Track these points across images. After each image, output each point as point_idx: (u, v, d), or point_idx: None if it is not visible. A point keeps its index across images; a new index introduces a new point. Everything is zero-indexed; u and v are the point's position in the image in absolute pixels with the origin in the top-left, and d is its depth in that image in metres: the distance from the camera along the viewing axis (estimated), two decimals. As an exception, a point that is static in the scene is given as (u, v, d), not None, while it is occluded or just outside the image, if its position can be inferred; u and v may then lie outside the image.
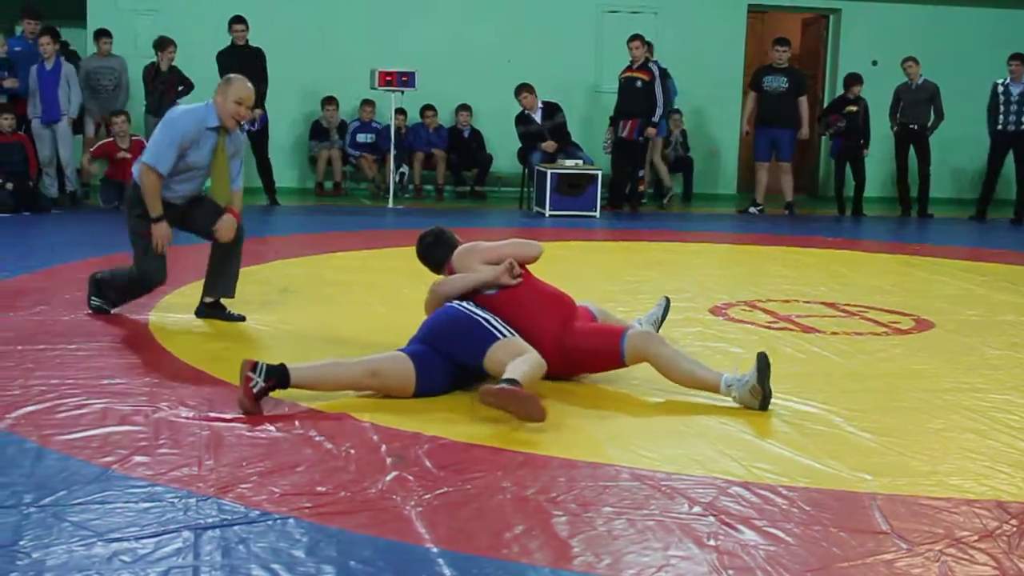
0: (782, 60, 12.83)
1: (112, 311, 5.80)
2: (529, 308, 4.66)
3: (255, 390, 4.06)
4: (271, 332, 5.58)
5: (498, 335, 4.39)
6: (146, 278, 5.71)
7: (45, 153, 11.15)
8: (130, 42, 13.01)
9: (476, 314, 4.48)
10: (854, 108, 12.96)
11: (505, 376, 4.09)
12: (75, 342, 5.19)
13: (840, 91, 13.59)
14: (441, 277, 4.91)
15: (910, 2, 15.10)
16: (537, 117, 12.49)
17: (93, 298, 5.85)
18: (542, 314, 4.66)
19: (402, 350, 4.43)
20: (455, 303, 4.60)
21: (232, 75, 5.73)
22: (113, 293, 5.82)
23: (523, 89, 12.50)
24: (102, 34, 12.03)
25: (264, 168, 12.14)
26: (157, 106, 11.57)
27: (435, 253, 5.01)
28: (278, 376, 4.11)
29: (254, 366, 4.09)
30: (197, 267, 6.02)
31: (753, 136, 13.11)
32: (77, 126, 11.57)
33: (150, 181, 5.51)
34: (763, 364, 4.31)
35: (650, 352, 4.53)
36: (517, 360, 4.24)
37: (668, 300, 5.60)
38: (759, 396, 4.31)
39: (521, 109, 12.54)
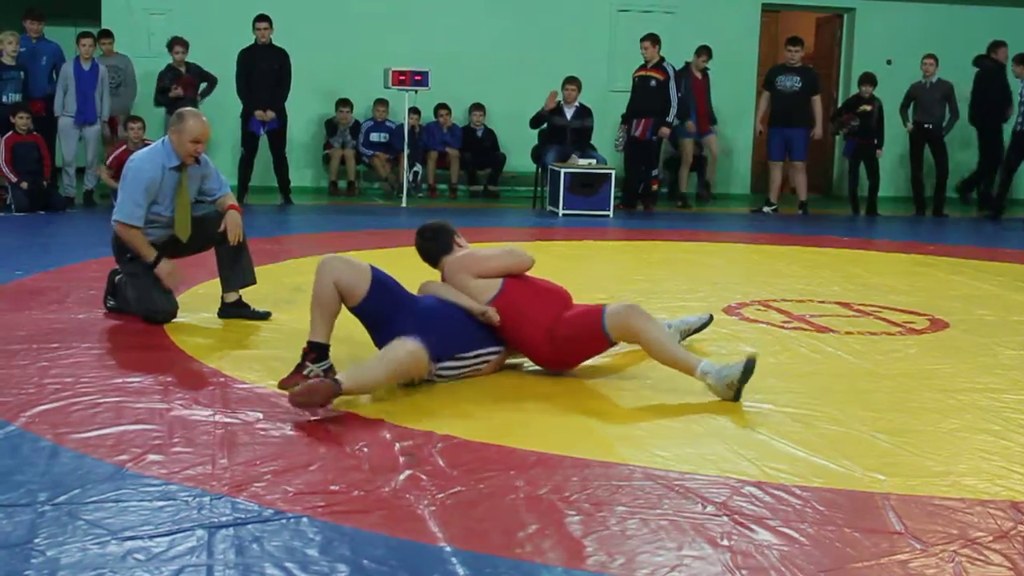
0: (795, 59, 12.80)
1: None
2: (522, 307, 4.68)
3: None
4: (284, 330, 5.58)
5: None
6: (151, 317, 5.57)
7: (70, 151, 11.20)
8: (143, 42, 13.06)
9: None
10: (868, 108, 12.93)
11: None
12: (89, 341, 5.21)
13: (855, 90, 13.56)
14: (433, 281, 4.93)
15: (925, 1, 15.06)
16: (568, 113, 12.49)
17: (110, 298, 5.87)
18: (534, 311, 4.68)
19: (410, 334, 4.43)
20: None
21: (184, 111, 5.65)
22: (125, 304, 5.79)
23: (570, 82, 12.51)
24: (105, 34, 12.10)
25: (280, 167, 12.17)
26: (175, 106, 11.63)
27: (430, 249, 4.98)
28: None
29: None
30: (209, 264, 6.03)
31: (767, 136, 13.09)
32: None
33: (131, 235, 5.53)
34: (748, 370, 4.34)
35: (633, 325, 4.54)
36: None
37: (711, 318, 5.59)
38: (732, 392, 4.35)
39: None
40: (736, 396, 4.37)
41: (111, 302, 5.84)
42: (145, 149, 5.80)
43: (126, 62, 12.12)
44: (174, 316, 5.65)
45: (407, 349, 4.30)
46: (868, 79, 13.01)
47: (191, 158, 5.58)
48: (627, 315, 4.56)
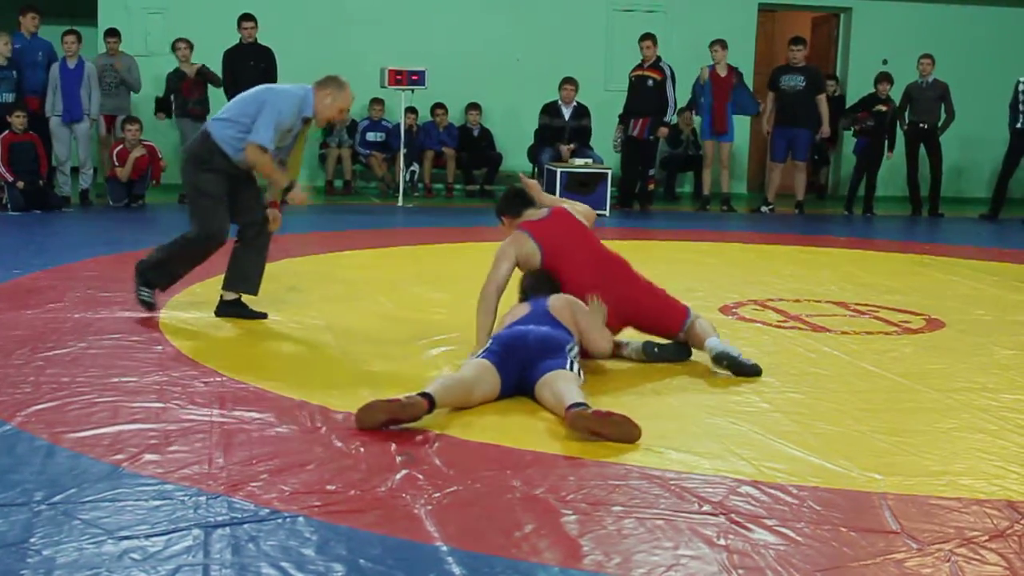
0: (798, 59, 12.76)
1: (157, 304, 5.74)
2: (575, 259, 5.27)
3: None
4: (280, 330, 5.58)
5: (561, 364, 4.27)
6: (210, 240, 5.54)
7: (63, 151, 11.18)
8: (140, 41, 13.03)
9: (566, 345, 4.39)
10: (883, 108, 12.89)
11: (573, 401, 3.94)
12: (86, 340, 5.20)
13: (851, 90, 13.54)
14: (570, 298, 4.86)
15: (922, 1, 15.07)
16: (566, 113, 12.48)
17: (142, 289, 5.70)
18: (584, 267, 5.23)
19: (488, 353, 4.33)
20: (555, 329, 4.47)
21: (343, 79, 5.66)
22: (167, 275, 5.71)
23: (568, 82, 12.56)
24: (111, 33, 12.08)
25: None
26: (183, 109, 11.69)
27: (512, 205, 5.35)
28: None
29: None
30: (208, 265, 6.02)
31: (771, 136, 13.03)
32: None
33: (265, 159, 5.46)
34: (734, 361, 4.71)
35: (701, 342, 4.94)
36: (562, 384, 4.12)
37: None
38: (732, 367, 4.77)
39: (555, 100, 12.50)
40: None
41: (144, 294, 5.67)
42: (290, 91, 5.65)
43: (130, 62, 12.08)
44: (223, 243, 5.64)
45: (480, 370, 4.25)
46: (885, 78, 12.93)
47: (325, 121, 5.71)
48: (703, 336, 4.94)
